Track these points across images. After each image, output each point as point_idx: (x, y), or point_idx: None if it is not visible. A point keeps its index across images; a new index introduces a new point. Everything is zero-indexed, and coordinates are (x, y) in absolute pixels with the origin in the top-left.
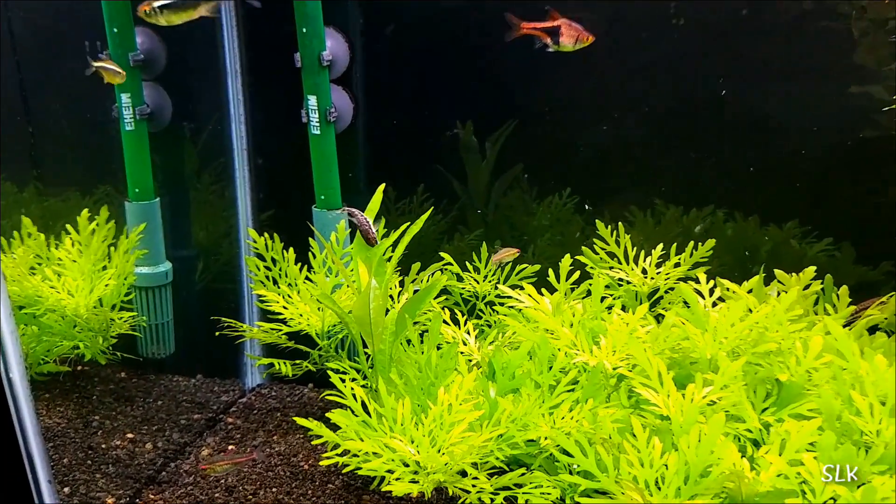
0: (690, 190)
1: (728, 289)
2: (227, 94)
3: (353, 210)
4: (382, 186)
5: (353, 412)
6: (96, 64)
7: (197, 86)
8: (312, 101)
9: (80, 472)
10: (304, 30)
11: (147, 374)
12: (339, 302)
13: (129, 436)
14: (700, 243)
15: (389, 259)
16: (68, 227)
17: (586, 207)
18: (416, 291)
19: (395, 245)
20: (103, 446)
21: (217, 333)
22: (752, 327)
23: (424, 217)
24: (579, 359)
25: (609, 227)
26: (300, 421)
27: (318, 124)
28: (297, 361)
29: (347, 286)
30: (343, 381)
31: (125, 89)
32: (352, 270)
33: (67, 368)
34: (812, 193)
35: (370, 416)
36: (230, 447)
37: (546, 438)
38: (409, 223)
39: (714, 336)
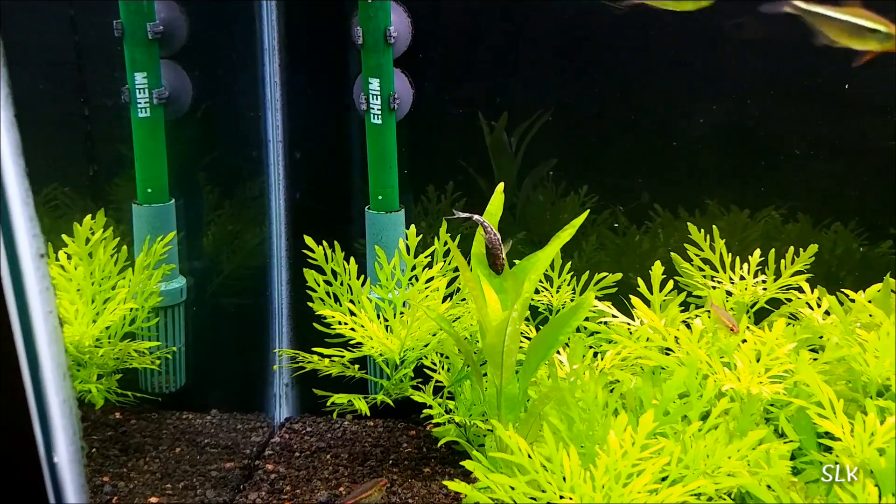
0: (742, 190)
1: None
2: (261, 75)
3: (486, 223)
4: (502, 186)
5: (483, 464)
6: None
7: (224, 65)
8: (374, 84)
9: None
10: None
11: (149, 413)
12: (418, 322)
13: (153, 500)
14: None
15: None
16: (64, 237)
17: (620, 208)
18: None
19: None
20: None
21: (275, 367)
22: None
23: (581, 220)
24: (728, 385)
25: (702, 230)
26: (454, 486)
27: (379, 113)
28: (347, 395)
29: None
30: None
31: (140, 67)
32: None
33: None
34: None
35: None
36: None
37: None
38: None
39: (877, 356)
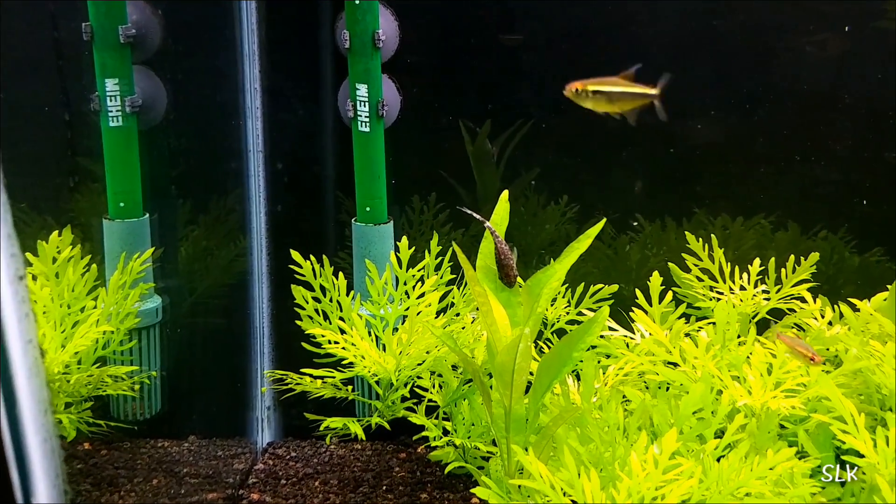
0: (731, 198)
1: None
2: (241, 81)
3: (495, 232)
4: (506, 194)
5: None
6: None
7: (201, 71)
8: (362, 90)
9: None
10: (357, 1)
11: (120, 442)
12: (415, 339)
13: None
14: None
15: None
16: (28, 255)
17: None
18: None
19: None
20: None
21: (264, 389)
22: None
23: (597, 229)
24: (743, 401)
25: (700, 239)
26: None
27: (367, 120)
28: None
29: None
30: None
31: (111, 73)
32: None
33: None
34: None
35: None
36: None
37: None
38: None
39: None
